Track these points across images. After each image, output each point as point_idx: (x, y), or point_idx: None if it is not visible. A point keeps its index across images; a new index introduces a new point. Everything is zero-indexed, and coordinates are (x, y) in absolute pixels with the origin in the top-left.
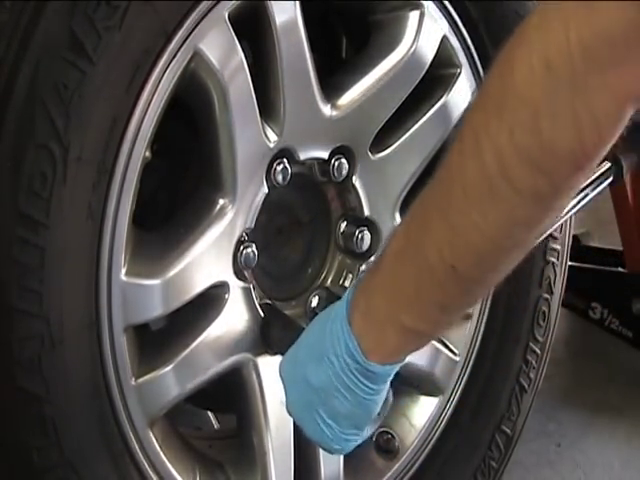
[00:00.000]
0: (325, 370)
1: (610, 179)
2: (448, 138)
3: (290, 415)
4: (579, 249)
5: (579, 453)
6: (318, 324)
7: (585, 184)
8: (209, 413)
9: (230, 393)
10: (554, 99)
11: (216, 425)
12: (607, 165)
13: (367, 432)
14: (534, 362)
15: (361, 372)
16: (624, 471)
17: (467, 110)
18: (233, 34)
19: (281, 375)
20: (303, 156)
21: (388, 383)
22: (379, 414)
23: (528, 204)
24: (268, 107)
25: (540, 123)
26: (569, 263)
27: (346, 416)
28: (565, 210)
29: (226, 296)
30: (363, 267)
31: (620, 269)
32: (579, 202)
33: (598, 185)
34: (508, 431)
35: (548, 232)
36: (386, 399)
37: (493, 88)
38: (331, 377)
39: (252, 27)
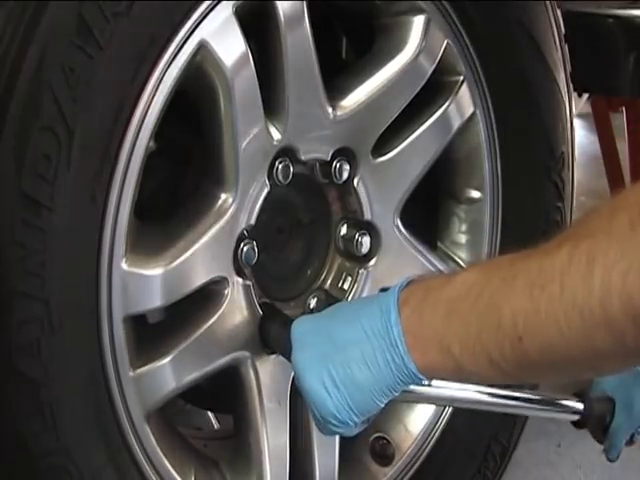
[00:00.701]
0: (354, 332)
1: (575, 418)
2: (449, 145)
3: (293, 367)
4: None
5: (579, 453)
6: (351, 302)
7: (549, 405)
8: (208, 413)
9: (227, 392)
10: None
11: (216, 425)
12: (581, 406)
13: (356, 429)
14: None
15: (394, 357)
16: (624, 472)
17: (593, 214)
18: (240, 29)
19: (292, 329)
20: (305, 156)
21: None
22: (369, 419)
23: (612, 342)
24: (272, 104)
25: None
26: None
27: (361, 388)
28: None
29: (225, 292)
30: (362, 270)
31: None
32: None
33: (560, 412)
34: (504, 441)
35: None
36: None
37: (621, 221)
38: (360, 342)
39: (259, 25)
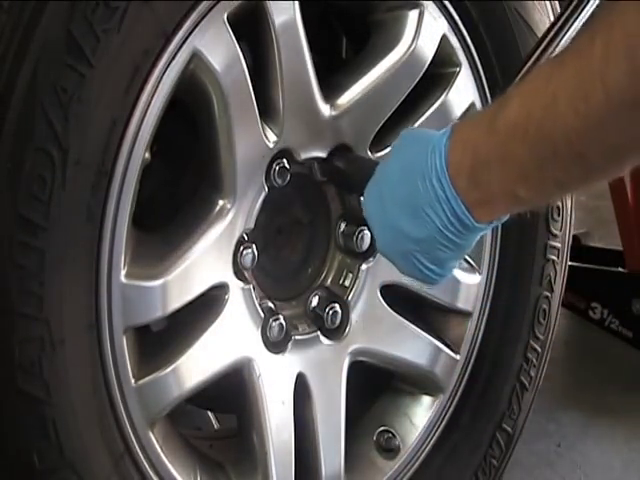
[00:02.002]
0: (424, 225)
1: None
2: None
3: (383, 255)
4: (579, 249)
5: (579, 454)
6: (403, 170)
7: None
8: (209, 413)
9: (231, 393)
10: None
11: (216, 425)
12: None
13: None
14: (535, 360)
15: (466, 229)
16: (624, 472)
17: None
18: (232, 35)
19: (366, 216)
20: (303, 156)
21: None
22: None
23: None
24: (267, 107)
25: None
26: (569, 263)
27: (450, 261)
28: None
29: (226, 297)
30: (363, 266)
31: (620, 269)
32: None
33: None
34: (509, 429)
35: None
36: None
37: None
38: (433, 233)
39: (251, 28)
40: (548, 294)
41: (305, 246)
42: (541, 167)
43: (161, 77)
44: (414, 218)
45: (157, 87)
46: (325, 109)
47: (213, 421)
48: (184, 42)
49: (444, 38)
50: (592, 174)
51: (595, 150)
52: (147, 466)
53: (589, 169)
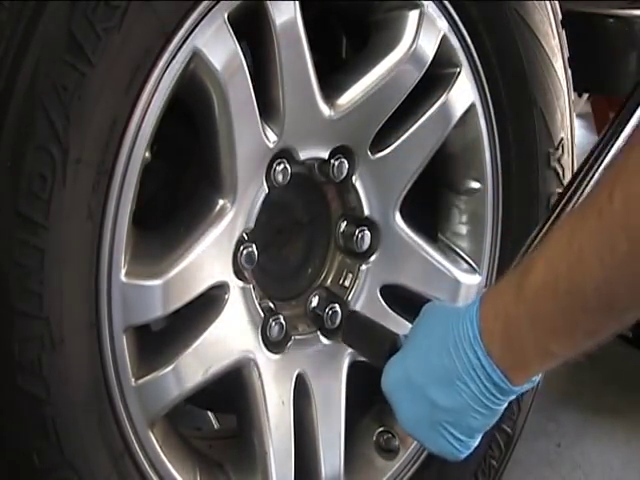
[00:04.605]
0: (458, 393)
1: None
2: (448, 137)
3: (405, 430)
4: None
5: (579, 453)
6: (432, 342)
7: None
8: (209, 413)
9: (231, 393)
10: None
11: (216, 425)
12: None
13: None
14: None
15: (502, 393)
16: (624, 471)
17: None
18: (232, 35)
19: (386, 391)
20: (303, 156)
21: None
22: None
23: None
24: (268, 107)
25: None
26: None
27: (480, 429)
28: None
29: (226, 296)
30: (363, 267)
31: None
32: None
33: None
34: (509, 430)
35: None
36: None
37: None
38: (467, 400)
39: (252, 28)
40: None
41: (305, 246)
42: (571, 321)
43: (161, 76)
44: (446, 387)
45: (157, 86)
46: (325, 109)
47: (213, 421)
48: (184, 41)
49: (444, 38)
50: (622, 319)
51: (624, 297)
52: (147, 465)
53: (619, 315)
